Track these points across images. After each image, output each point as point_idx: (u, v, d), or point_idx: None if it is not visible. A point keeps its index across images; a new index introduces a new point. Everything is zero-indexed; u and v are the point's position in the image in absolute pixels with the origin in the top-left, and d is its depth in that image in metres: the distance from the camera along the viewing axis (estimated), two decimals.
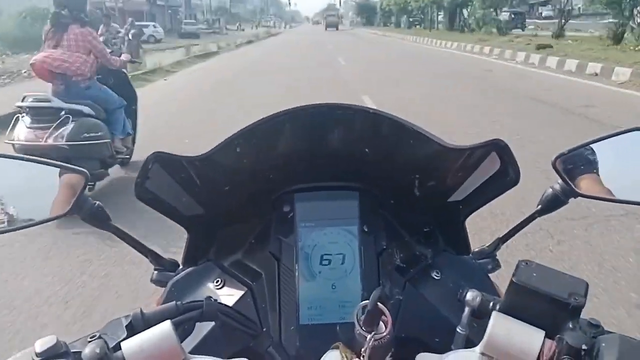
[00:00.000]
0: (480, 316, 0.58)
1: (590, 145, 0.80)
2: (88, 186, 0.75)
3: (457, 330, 0.60)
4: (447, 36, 29.59)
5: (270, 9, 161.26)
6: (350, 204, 0.78)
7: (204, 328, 0.69)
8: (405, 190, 0.77)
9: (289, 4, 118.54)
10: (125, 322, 0.57)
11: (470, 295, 0.58)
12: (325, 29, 66.88)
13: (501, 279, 0.85)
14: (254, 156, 0.74)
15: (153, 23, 39.71)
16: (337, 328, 0.71)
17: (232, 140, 0.69)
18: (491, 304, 0.56)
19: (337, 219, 0.77)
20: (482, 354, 0.51)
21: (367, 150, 0.75)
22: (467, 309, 0.59)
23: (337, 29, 67.02)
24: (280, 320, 0.73)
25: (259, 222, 0.81)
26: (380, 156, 0.75)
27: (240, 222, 0.82)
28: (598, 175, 0.81)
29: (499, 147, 0.65)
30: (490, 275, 0.85)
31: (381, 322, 0.55)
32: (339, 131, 0.74)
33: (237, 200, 0.79)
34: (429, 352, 0.63)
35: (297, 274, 0.75)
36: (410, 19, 53.10)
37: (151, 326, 0.55)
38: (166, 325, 0.54)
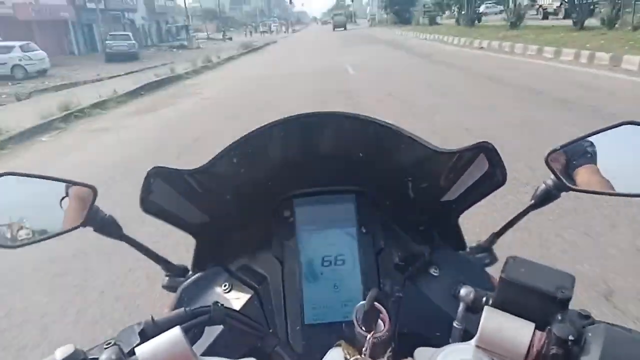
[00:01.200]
0: (475, 311, 0.60)
1: (583, 140, 0.82)
2: None
3: (454, 325, 0.63)
4: None
5: (274, 10, 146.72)
6: (348, 206, 0.81)
7: (213, 331, 0.72)
8: (400, 191, 0.80)
9: (290, 2, 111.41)
10: (137, 329, 0.59)
11: (464, 291, 0.61)
12: (333, 29, 57.28)
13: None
14: (251, 165, 0.77)
15: (21, 43, 21.70)
16: (342, 326, 0.74)
17: (228, 151, 0.72)
18: (484, 299, 0.59)
19: (335, 222, 0.80)
20: (477, 346, 0.53)
21: (360, 154, 0.77)
22: (461, 304, 0.61)
23: (345, 28, 58.37)
24: (287, 321, 0.76)
25: (262, 227, 0.84)
26: (373, 160, 0.78)
27: (243, 228, 0.85)
28: (591, 168, 0.83)
29: (487, 150, 0.68)
30: (488, 269, 0.87)
31: (380, 321, 0.58)
32: (331, 138, 0.77)
33: (239, 207, 0.82)
34: (429, 346, 0.67)
35: (300, 275, 0.78)
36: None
37: (162, 332, 0.58)
38: (176, 331, 0.56)
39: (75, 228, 0.79)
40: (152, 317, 0.62)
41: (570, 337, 0.48)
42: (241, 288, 0.80)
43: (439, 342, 0.68)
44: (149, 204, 0.73)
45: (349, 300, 0.76)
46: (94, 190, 0.78)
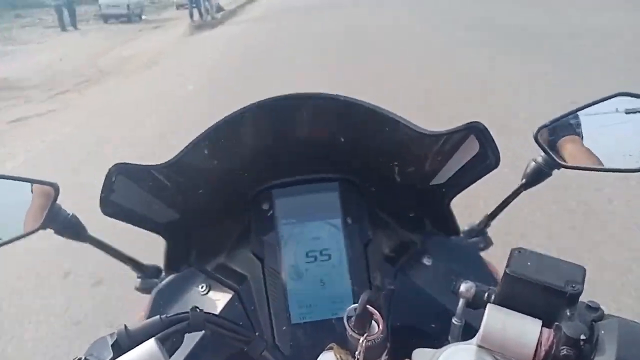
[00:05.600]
0: (476, 307, 0.56)
1: (572, 115, 0.79)
2: None
3: (453, 321, 0.59)
4: None
5: None
6: (331, 195, 0.76)
7: (194, 337, 0.67)
8: (386, 177, 0.75)
9: None
10: (110, 341, 0.55)
11: (464, 286, 0.56)
12: None
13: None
14: (224, 156, 0.70)
15: None
16: (332, 324, 0.70)
17: (198, 142, 0.66)
18: (486, 294, 0.55)
19: (318, 213, 0.75)
20: (479, 346, 0.50)
21: (342, 139, 0.72)
22: (461, 301, 0.57)
23: None
24: (272, 322, 0.72)
25: (238, 222, 0.79)
26: (356, 144, 0.72)
27: (218, 224, 0.79)
28: (582, 144, 0.79)
29: (477, 130, 0.63)
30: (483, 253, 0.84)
31: (373, 322, 0.54)
32: (309, 122, 0.71)
33: (213, 201, 0.76)
34: (424, 339, 0.63)
35: (282, 273, 0.73)
36: None
37: (138, 343, 0.53)
38: (152, 343, 0.52)
39: (34, 231, 0.74)
40: (125, 327, 0.57)
41: (582, 337, 0.44)
42: (220, 289, 0.75)
43: (435, 335, 0.65)
44: (110, 206, 0.66)
45: (338, 297, 0.72)
46: (55, 189, 0.73)
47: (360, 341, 0.52)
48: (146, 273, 0.86)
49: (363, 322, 0.53)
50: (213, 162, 0.70)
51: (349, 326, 0.53)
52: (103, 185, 0.64)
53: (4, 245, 0.73)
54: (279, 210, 0.76)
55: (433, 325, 0.69)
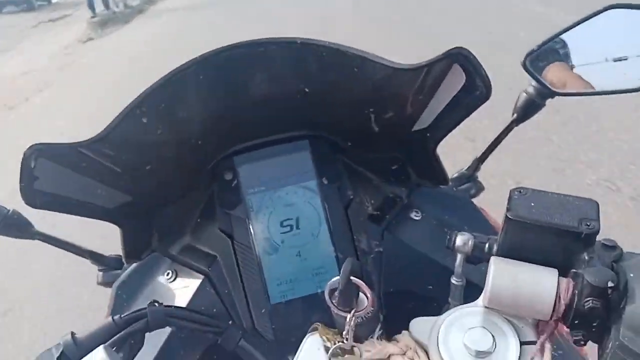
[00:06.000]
0: (476, 262, 0.49)
1: (561, 36, 0.71)
2: None
3: (452, 281, 0.51)
4: None
5: None
6: (302, 155, 0.68)
7: (162, 334, 0.59)
8: (362, 127, 0.66)
9: None
10: (56, 353, 0.48)
11: (460, 239, 0.49)
12: None
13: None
14: (169, 123, 0.60)
15: None
16: (318, 298, 0.63)
17: (130, 110, 0.54)
18: (487, 246, 0.47)
19: (289, 177, 0.67)
20: (487, 307, 0.42)
21: (306, 90, 0.62)
22: (459, 257, 0.50)
23: None
24: (249, 305, 0.64)
25: (200, 196, 0.69)
26: (323, 94, 0.63)
27: (179, 200, 0.70)
28: (572, 69, 0.72)
29: (461, 58, 0.53)
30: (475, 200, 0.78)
31: (361, 295, 0.46)
32: (267, 73, 0.61)
33: (167, 177, 0.66)
34: (422, 304, 0.57)
35: (255, 248, 0.64)
36: None
37: (89, 351, 0.47)
38: (100, 353, 0.45)
39: None
40: (72, 336, 0.49)
41: (610, 284, 0.37)
42: (188, 274, 0.67)
43: (434, 298, 0.58)
44: (35, 195, 0.53)
45: (321, 268, 0.64)
46: None
47: (348, 319, 0.44)
48: (108, 265, 0.78)
49: (348, 296, 0.45)
50: (156, 132, 0.59)
51: (333, 303, 0.45)
52: (20, 173, 0.51)
53: None
54: (244, 178, 0.67)
55: (430, 287, 0.63)
